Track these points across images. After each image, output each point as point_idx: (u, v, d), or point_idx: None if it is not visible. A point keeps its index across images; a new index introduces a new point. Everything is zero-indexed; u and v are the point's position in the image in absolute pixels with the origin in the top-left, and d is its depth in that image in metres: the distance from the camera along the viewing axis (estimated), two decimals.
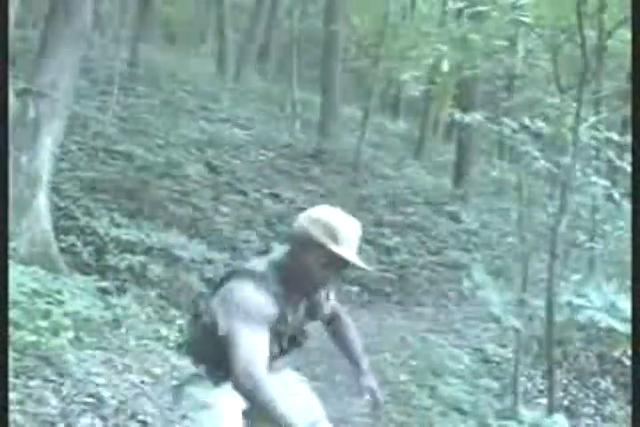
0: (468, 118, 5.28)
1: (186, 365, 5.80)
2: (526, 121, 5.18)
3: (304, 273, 2.51)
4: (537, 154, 5.16)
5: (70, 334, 5.21)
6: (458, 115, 5.37)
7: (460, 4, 6.01)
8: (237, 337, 2.39)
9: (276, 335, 2.58)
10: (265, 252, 2.69)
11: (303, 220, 2.52)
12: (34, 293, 5.40)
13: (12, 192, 6.15)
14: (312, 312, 2.74)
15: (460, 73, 7.83)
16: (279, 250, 2.63)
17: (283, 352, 2.71)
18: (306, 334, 2.75)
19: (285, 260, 2.55)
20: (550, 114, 5.49)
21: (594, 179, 5.48)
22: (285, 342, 2.69)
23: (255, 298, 2.45)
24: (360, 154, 13.82)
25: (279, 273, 2.54)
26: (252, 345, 2.39)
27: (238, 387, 2.37)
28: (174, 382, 2.63)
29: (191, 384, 2.70)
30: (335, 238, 2.45)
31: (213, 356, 2.59)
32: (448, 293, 9.94)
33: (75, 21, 7.03)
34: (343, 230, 2.47)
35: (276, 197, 11.19)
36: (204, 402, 2.60)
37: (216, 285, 2.63)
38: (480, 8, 5.70)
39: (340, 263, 2.48)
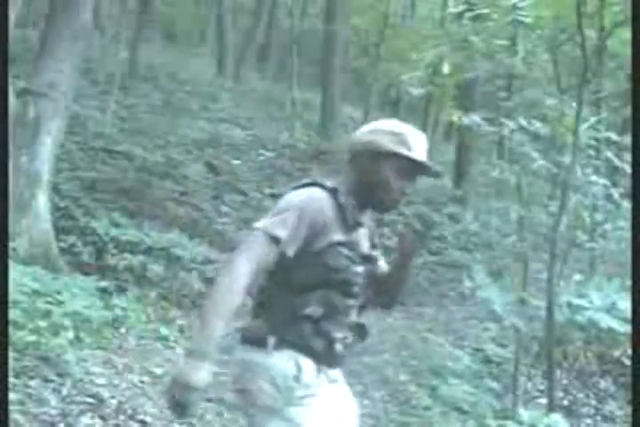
0: (467, 121, 5.28)
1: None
2: (526, 121, 5.18)
3: (379, 186, 2.32)
4: (537, 154, 5.16)
5: (70, 334, 5.21)
6: (457, 118, 5.37)
7: (461, 8, 6.02)
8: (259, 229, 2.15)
9: (344, 269, 2.25)
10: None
11: (364, 134, 2.37)
12: (34, 293, 5.40)
13: (12, 192, 6.15)
14: (372, 253, 2.44)
15: (460, 74, 7.82)
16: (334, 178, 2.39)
17: (353, 296, 2.30)
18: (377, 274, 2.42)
19: (353, 176, 2.34)
20: (550, 114, 5.49)
21: (593, 179, 5.49)
22: (359, 284, 2.31)
23: (316, 200, 2.24)
24: None
25: (348, 188, 2.33)
26: (265, 241, 2.13)
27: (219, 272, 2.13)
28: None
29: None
30: (407, 145, 2.32)
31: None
32: (448, 293, 9.93)
33: (75, 21, 7.03)
34: (412, 136, 2.34)
35: (275, 197, 11.18)
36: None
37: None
38: (480, 11, 5.70)
39: (414, 170, 2.34)
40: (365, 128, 2.39)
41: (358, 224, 2.36)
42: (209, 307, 2.07)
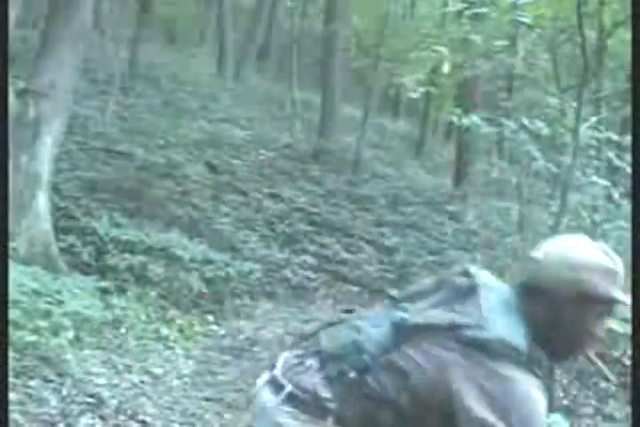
0: (466, 121, 5.29)
1: (185, 365, 5.81)
2: (526, 121, 5.19)
3: (576, 333, 1.92)
4: (537, 154, 5.17)
5: (70, 334, 5.21)
6: (456, 119, 5.38)
7: (460, 6, 6.02)
8: None
9: None
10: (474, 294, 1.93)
11: (571, 269, 1.86)
12: (34, 293, 5.40)
13: (11, 192, 6.15)
14: None
15: (460, 74, 7.83)
16: (509, 301, 1.92)
17: None
18: None
19: (542, 320, 1.91)
20: (550, 114, 5.49)
21: (594, 179, 5.50)
22: None
23: (539, 399, 1.97)
24: (360, 154, 13.81)
25: (534, 335, 1.90)
26: None
27: None
28: None
29: None
30: (622, 286, 1.90)
31: None
32: None
33: (75, 21, 7.03)
34: (621, 271, 1.90)
35: (276, 197, 11.19)
36: None
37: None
38: (479, 10, 5.71)
39: (612, 309, 1.94)
40: (566, 255, 1.88)
41: None
42: None
